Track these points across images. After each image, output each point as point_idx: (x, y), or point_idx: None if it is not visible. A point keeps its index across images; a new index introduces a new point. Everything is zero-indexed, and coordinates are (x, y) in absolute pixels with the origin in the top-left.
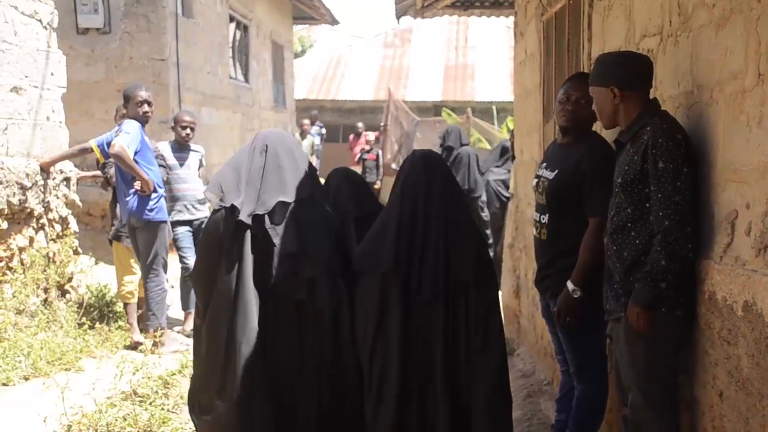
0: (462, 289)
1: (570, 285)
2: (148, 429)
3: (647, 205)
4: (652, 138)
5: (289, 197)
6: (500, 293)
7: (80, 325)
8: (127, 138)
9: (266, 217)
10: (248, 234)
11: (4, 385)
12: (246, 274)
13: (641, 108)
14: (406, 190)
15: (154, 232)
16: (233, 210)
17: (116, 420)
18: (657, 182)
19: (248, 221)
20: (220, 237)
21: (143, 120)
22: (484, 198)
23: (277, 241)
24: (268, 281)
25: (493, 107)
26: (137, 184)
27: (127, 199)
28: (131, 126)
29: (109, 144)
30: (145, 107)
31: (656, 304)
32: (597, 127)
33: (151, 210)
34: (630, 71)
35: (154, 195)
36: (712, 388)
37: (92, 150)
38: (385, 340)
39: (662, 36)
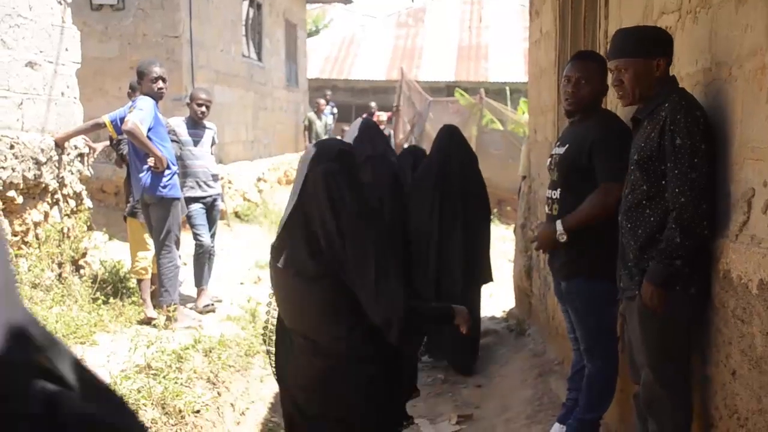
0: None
1: (559, 226)
2: (162, 401)
3: (663, 182)
4: (671, 114)
5: (371, 152)
6: (512, 273)
7: (94, 299)
8: (140, 114)
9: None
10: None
11: None
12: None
13: (659, 85)
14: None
15: (167, 209)
16: None
17: (131, 392)
18: (674, 159)
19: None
20: None
21: (157, 96)
22: None
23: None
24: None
25: (507, 88)
26: (150, 161)
27: (141, 175)
28: (145, 102)
29: (122, 119)
30: (160, 83)
31: (671, 282)
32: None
33: (165, 186)
34: (670, 44)
35: (167, 171)
36: (725, 366)
37: (105, 125)
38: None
39: (681, 13)
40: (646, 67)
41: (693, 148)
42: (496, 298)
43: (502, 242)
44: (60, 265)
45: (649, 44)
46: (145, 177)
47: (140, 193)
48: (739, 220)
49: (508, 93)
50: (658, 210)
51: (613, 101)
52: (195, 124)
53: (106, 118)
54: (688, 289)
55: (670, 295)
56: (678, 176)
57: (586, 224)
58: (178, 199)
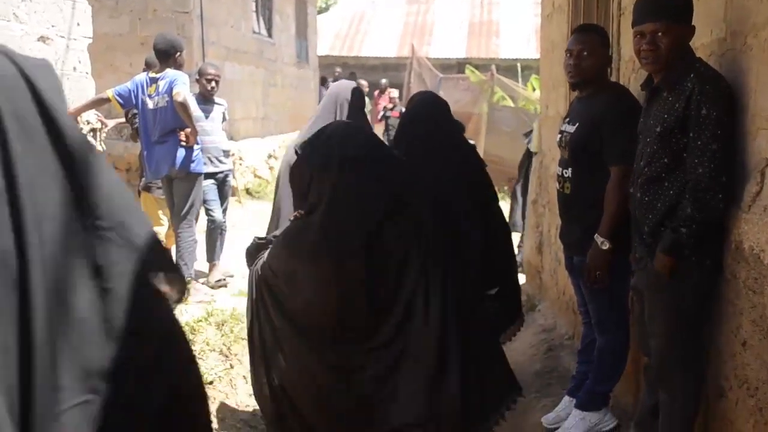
0: None
1: (598, 238)
2: None
3: (684, 154)
4: (699, 84)
5: None
6: (523, 248)
7: None
8: (186, 88)
9: None
10: None
11: None
12: None
13: (682, 54)
14: None
15: (193, 183)
16: None
17: None
18: (697, 129)
19: None
20: None
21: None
22: None
23: None
24: None
25: (518, 65)
26: (183, 135)
27: (175, 148)
28: (186, 78)
29: (121, 95)
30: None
31: (681, 251)
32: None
33: (193, 161)
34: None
35: (195, 147)
36: (736, 337)
37: (109, 99)
38: None
39: None
40: (685, 34)
41: (718, 119)
42: None
43: None
44: None
45: (688, 11)
46: (180, 151)
47: (167, 168)
48: (752, 190)
49: (519, 70)
50: (677, 182)
51: (624, 75)
52: (205, 100)
53: (110, 92)
54: (704, 260)
55: (686, 266)
56: (699, 147)
57: (618, 219)
58: (201, 174)
